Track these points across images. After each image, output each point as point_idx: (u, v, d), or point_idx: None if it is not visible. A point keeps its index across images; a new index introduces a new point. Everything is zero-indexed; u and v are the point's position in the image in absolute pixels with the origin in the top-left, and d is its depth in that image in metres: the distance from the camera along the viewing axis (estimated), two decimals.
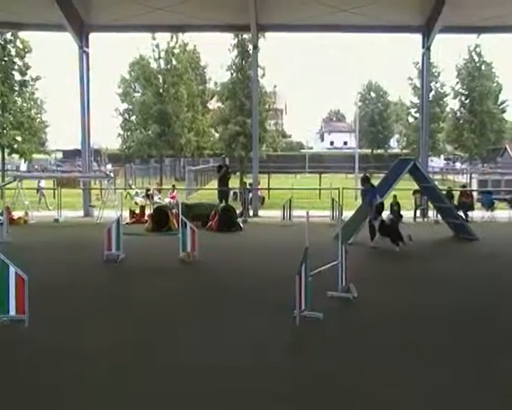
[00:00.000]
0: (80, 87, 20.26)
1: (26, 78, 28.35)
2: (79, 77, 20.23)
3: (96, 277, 9.99)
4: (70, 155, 58.92)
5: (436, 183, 22.29)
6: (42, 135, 29.56)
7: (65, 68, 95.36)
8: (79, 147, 22.55)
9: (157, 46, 37.56)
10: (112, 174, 22.24)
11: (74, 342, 6.29)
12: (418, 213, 19.49)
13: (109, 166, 38.37)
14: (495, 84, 50.75)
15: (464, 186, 22.96)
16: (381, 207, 13.54)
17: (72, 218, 19.23)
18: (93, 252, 11.63)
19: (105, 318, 7.31)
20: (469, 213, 18.75)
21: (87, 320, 7.18)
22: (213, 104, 43.70)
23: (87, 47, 20.39)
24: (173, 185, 25.42)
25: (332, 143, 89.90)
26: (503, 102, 52.77)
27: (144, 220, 17.36)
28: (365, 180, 14.59)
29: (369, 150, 64.84)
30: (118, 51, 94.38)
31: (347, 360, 5.80)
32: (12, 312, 6.66)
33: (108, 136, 52.79)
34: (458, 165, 56.87)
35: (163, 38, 37.47)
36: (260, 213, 20.46)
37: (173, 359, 5.80)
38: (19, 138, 27.80)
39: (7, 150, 28.48)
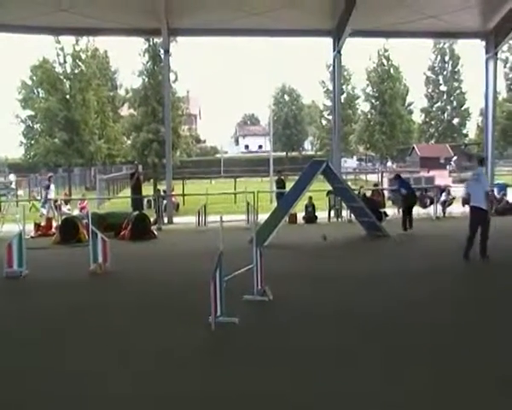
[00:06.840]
0: None
1: None
2: None
3: None
4: None
5: (349, 183, 22.91)
6: None
7: None
8: None
9: (62, 49, 35.71)
10: (13, 185, 20.83)
11: None
12: (332, 213, 19.79)
13: (11, 177, 36.08)
14: (403, 87, 53.04)
15: (376, 185, 23.60)
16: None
17: None
18: None
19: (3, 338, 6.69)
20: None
21: None
22: (125, 111, 42.56)
23: None
24: (83, 194, 24.35)
25: (247, 146, 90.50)
26: (410, 104, 55.32)
27: (51, 233, 16.43)
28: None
29: (284, 153, 65.86)
30: (18, 53, 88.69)
31: (259, 364, 5.64)
32: None
33: (9, 144, 49.74)
34: (389, 164, 56.81)
35: (69, 40, 35.69)
36: (175, 219, 19.98)
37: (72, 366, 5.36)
38: None
39: None
